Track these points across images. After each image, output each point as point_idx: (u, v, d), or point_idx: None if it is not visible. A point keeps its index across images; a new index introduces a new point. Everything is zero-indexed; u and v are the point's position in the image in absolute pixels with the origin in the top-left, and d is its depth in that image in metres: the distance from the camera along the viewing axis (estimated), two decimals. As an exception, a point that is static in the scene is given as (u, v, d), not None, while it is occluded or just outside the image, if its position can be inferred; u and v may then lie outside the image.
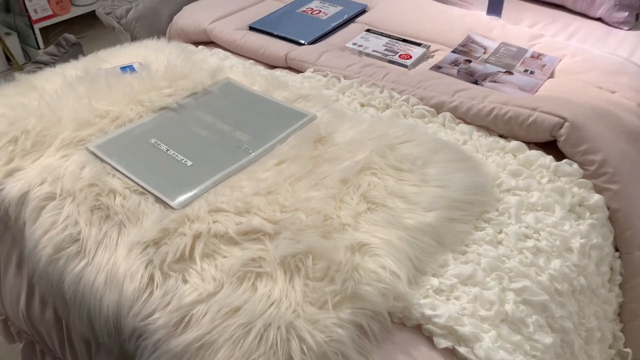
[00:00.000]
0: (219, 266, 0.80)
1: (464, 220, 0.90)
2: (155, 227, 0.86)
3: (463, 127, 1.14)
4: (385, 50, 1.41)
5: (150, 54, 1.32)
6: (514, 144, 1.08)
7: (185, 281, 0.79)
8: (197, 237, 0.84)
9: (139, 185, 0.94)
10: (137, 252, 0.84)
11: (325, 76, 1.30)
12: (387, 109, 1.20)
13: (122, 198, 0.92)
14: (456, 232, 0.88)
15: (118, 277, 0.82)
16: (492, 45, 1.40)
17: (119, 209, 0.90)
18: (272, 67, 1.43)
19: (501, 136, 1.13)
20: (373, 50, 1.41)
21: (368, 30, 1.50)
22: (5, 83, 1.21)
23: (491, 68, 1.31)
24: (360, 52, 1.41)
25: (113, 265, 0.84)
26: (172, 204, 0.90)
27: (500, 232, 0.91)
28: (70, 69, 1.25)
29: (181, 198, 0.91)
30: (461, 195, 0.91)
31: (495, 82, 1.26)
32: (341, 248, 0.79)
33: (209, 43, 1.54)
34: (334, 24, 1.54)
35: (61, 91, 1.13)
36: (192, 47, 1.48)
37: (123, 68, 1.27)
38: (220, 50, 1.47)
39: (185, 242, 0.82)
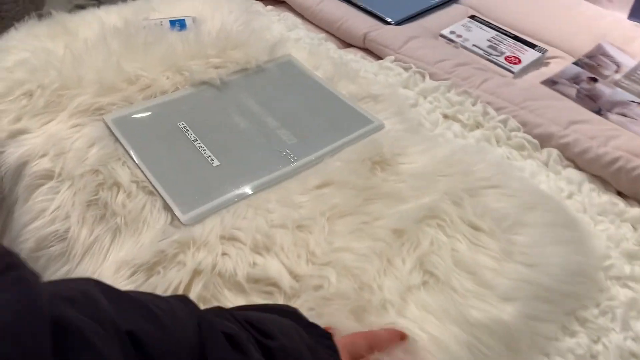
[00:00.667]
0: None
1: (551, 319, 0.66)
2: (153, 247, 0.68)
3: (572, 172, 0.87)
4: (489, 46, 1.13)
5: (208, 9, 1.12)
6: (637, 211, 0.81)
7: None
8: (197, 273, 0.65)
9: (149, 181, 0.77)
10: (124, 275, 0.67)
11: (407, 69, 1.06)
12: (477, 128, 0.95)
13: (126, 196, 0.75)
14: (537, 335, 0.64)
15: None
16: (629, 62, 1.09)
17: (118, 209, 0.73)
18: (347, 45, 1.19)
19: (620, 194, 0.86)
20: (474, 45, 1.14)
21: (472, 17, 1.22)
22: (39, 21, 1.05)
23: (622, 95, 1.01)
24: (457, 44, 1.14)
25: (95, 282, 0.68)
26: (181, 217, 0.72)
27: (597, 342, 0.66)
28: (113, 14, 1.07)
29: (193, 212, 0.72)
30: (554, 282, 0.67)
31: (624, 115, 0.97)
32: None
33: (281, 3, 1.32)
34: (432, 3, 1.27)
35: (92, 43, 0.95)
36: (260, 6, 1.26)
37: (173, 22, 1.08)
38: (290, 15, 1.25)
39: (181, 277, 0.64)
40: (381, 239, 0.68)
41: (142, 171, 0.78)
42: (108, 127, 0.84)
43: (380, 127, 0.88)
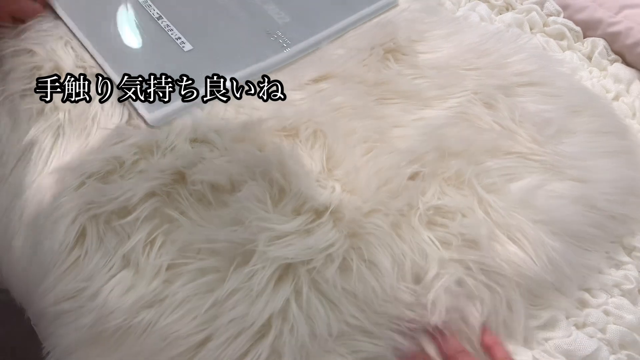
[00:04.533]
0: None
1: (595, 247, 0.55)
2: (105, 153, 0.53)
3: (620, 68, 0.72)
4: None
5: None
6: (696, 117, 0.68)
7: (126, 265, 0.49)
8: (163, 187, 0.51)
9: (100, 67, 0.60)
10: (70, 185, 0.52)
11: None
12: (508, 11, 0.78)
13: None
14: (579, 265, 0.53)
15: (38, 219, 0.53)
16: None
17: (60, 103, 0.57)
18: None
19: (676, 97, 0.72)
20: None
21: None
22: None
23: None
24: None
25: (34, 193, 0.54)
26: (147, 117, 0.56)
27: (647, 274, 0.56)
28: None
29: (161, 111, 0.57)
30: (605, 202, 0.55)
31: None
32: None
33: None
34: None
35: None
36: None
37: None
38: None
39: (142, 192, 0.51)
40: (400, 158, 0.53)
41: (90, 54, 0.61)
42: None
43: (393, 3, 0.70)
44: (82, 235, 0.50)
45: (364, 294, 0.46)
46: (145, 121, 0.56)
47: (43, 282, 0.50)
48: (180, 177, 0.52)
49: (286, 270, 0.47)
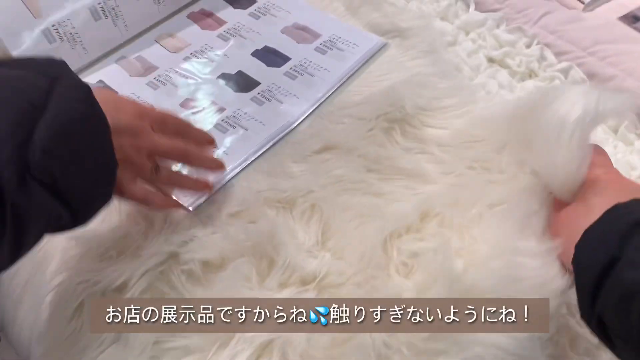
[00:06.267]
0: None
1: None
2: (115, 232, 0.54)
3: (648, 143, 0.68)
4: (554, -32, 0.90)
5: None
6: None
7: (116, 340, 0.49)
8: (157, 266, 0.52)
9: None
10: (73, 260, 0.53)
11: (449, -5, 0.84)
12: (530, 78, 0.76)
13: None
14: None
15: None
16: None
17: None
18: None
19: None
20: (535, -35, 0.90)
21: None
22: None
23: None
24: (514, -36, 0.91)
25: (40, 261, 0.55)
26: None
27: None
28: None
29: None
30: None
31: None
32: None
33: None
34: None
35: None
36: None
37: None
38: None
39: (137, 274, 0.51)
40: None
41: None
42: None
43: (382, 45, 0.71)
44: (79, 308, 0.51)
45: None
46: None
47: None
48: (174, 256, 0.52)
49: (267, 347, 0.46)
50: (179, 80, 0.65)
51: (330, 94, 0.65)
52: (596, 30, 0.77)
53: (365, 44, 0.70)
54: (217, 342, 0.47)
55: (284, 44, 0.70)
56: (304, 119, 0.63)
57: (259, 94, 0.64)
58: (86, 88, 0.40)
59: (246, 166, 0.58)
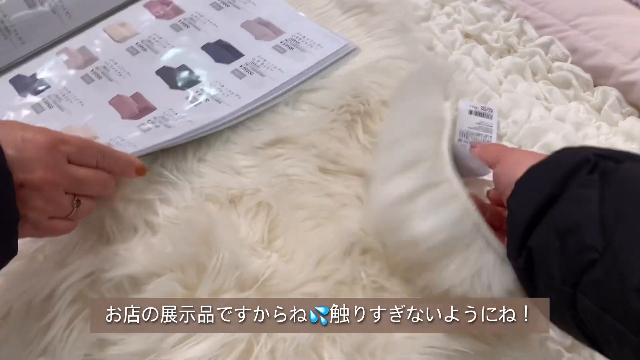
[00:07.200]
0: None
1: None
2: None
3: (634, 123, 0.62)
4: None
5: None
6: None
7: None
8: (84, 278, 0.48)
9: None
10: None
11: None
12: (508, 54, 0.70)
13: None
14: None
15: None
16: None
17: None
18: None
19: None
20: None
21: None
22: None
23: None
24: None
25: None
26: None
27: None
28: None
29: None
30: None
31: None
32: None
33: None
34: None
35: None
36: None
37: None
38: None
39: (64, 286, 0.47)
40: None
41: None
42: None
43: (350, 50, 0.63)
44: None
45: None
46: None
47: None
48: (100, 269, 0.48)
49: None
50: (114, 75, 0.60)
51: (268, 100, 0.58)
52: (580, 1, 0.71)
53: (331, 46, 0.62)
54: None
55: (240, 39, 0.64)
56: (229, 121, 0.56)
57: (197, 92, 0.58)
58: None
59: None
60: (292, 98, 0.59)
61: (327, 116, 0.57)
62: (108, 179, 0.45)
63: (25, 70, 0.61)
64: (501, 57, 0.70)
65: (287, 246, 0.49)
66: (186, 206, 0.50)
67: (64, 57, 0.63)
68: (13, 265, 0.49)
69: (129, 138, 0.53)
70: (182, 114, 0.56)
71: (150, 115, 0.56)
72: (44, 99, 0.58)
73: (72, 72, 0.61)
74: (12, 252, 0.39)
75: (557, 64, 0.67)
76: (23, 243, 0.46)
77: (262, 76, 0.59)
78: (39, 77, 0.61)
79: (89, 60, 0.62)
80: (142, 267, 0.45)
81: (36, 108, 0.58)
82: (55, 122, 0.55)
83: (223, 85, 0.58)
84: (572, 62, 0.67)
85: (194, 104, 0.57)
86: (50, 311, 0.46)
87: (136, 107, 0.57)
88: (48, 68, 0.61)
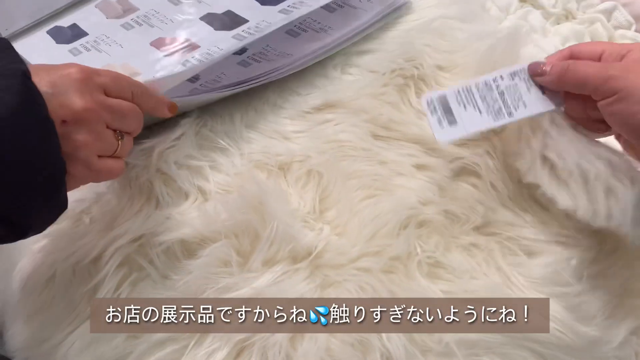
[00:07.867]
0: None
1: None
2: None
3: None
4: None
5: None
6: None
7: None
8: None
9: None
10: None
11: None
12: (567, 20, 0.66)
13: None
14: None
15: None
16: None
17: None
18: None
19: None
20: None
21: None
22: None
23: None
24: None
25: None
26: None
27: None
28: None
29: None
30: None
31: None
32: None
33: None
34: None
35: None
36: None
37: None
38: None
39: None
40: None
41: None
42: None
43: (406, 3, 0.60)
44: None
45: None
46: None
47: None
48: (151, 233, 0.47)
49: (246, 347, 0.42)
50: (156, 22, 0.57)
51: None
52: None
53: (383, 1, 0.59)
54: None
55: None
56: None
57: (243, 31, 0.55)
58: (19, 71, 0.34)
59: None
60: (340, 61, 0.57)
61: (377, 80, 0.55)
62: (141, 115, 0.43)
63: (63, 22, 0.59)
64: (558, 24, 0.66)
65: (339, 218, 0.47)
66: (236, 172, 0.48)
67: (103, 7, 0.60)
68: (58, 226, 0.48)
69: (175, 70, 0.51)
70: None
71: (195, 52, 0.54)
72: (82, 44, 0.57)
73: (111, 20, 0.59)
74: (62, 205, 0.38)
75: (620, 31, 0.63)
76: (69, 203, 0.44)
77: (316, 32, 0.56)
78: (77, 26, 0.58)
79: (128, 10, 0.60)
80: (195, 232, 0.44)
81: (73, 52, 0.56)
82: (93, 63, 0.53)
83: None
84: (636, 30, 0.63)
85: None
86: (97, 275, 0.45)
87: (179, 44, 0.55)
88: (86, 18, 0.59)
